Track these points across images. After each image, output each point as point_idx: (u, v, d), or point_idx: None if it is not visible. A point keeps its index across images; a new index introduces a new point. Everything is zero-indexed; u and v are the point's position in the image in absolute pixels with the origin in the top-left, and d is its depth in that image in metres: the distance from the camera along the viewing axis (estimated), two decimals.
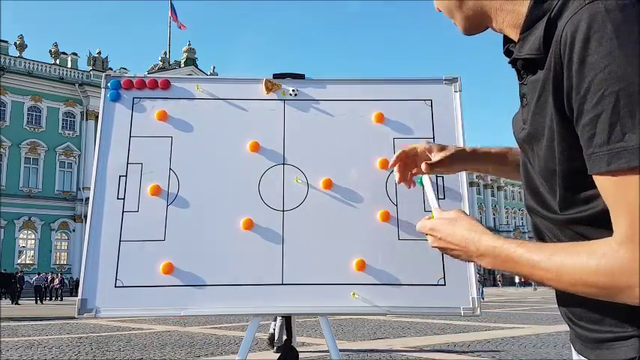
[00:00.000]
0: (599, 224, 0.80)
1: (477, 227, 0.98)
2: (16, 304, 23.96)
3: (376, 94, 1.86)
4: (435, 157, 1.39)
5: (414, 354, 7.59)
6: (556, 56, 0.80)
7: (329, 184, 1.76)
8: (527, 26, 0.89)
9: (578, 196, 0.84)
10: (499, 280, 51.63)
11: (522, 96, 0.95)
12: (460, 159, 1.39)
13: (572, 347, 0.99)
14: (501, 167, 1.38)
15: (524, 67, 0.92)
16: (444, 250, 1.05)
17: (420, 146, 1.43)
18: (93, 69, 42.12)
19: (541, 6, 0.87)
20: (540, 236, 0.98)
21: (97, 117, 24.36)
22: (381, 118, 1.83)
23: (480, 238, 0.96)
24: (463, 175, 1.79)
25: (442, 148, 1.40)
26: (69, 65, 42.27)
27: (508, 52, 1.00)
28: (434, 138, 1.81)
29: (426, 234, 1.07)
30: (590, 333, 0.90)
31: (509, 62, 0.96)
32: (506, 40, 1.00)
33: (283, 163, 1.80)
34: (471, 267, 1.70)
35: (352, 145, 1.81)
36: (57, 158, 40.15)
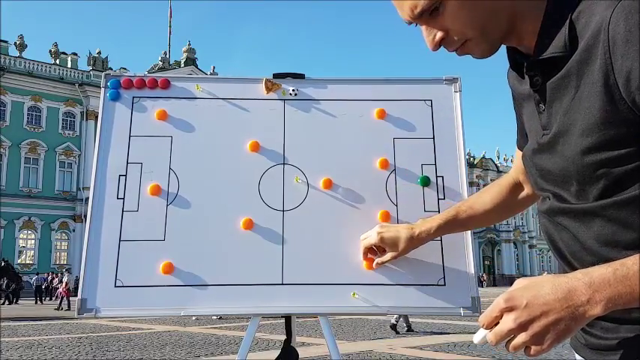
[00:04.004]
0: None
1: (559, 275, 0.78)
2: (16, 303, 23.94)
3: (376, 94, 1.86)
4: (388, 254, 1.58)
5: (414, 354, 7.59)
6: (604, 46, 0.78)
7: (329, 184, 1.76)
8: (546, 28, 0.88)
9: (621, 181, 0.81)
10: (483, 280, 47.38)
11: (538, 102, 0.94)
12: (412, 242, 1.54)
13: (577, 354, 0.98)
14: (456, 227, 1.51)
15: (542, 71, 0.91)
16: (535, 327, 0.74)
17: (374, 237, 1.58)
18: (93, 69, 42.12)
19: (560, 7, 0.87)
20: (554, 243, 0.96)
21: (97, 117, 24.32)
22: (382, 114, 1.83)
23: (584, 273, 0.75)
24: (463, 175, 1.78)
25: (393, 239, 1.54)
26: (69, 65, 42.27)
27: (515, 63, 0.99)
28: (434, 138, 1.81)
29: (503, 312, 0.77)
30: (602, 341, 0.89)
31: (526, 68, 0.95)
32: (511, 51, 0.99)
33: (283, 163, 1.80)
34: (471, 267, 1.70)
35: (352, 145, 1.81)
36: (57, 158, 40.16)
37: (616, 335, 0.86)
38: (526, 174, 1.07)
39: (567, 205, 0.90)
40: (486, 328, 0.80)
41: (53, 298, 24.09)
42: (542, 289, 0.76)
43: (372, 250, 1.63)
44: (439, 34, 0.96)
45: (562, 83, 0.87)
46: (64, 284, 22.81)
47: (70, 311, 18.85)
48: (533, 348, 0.76)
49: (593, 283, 0.73)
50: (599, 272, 0.74)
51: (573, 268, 0.90)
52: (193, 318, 13.37)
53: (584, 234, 0.87)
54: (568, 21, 0.85)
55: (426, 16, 0.94)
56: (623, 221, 0.81)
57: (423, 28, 0.98)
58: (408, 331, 10.42)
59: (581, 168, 0.84)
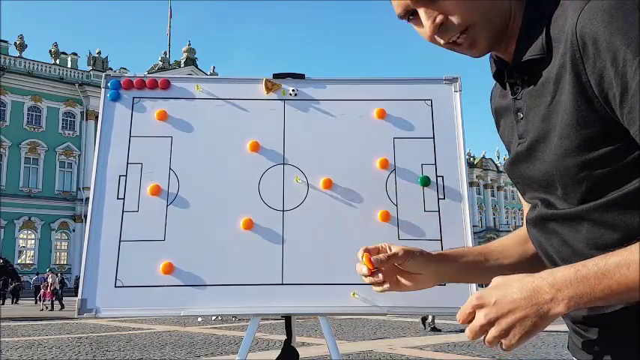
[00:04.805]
0: (629, 206, 0.80)
1: (528, 274, 0.80)
2: (16, 303, 23.93)
3: (376, 94, 1.86)
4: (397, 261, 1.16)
5: (414, 354, 7.59)
6: (573, 47, 0.79)
7: (329, 184, 1.76)
8: (525, 32, 0.89)
9: (604, 182, 0.82)
10: None
11: (517, 111, 0.95)
12: (419, 263, 1.15)
13: (573, 356, 0.98)
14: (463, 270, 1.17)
15: (521, 77, 0.91)
16: (503, 323, 0.78)
17: (387, 248, 1.20)
18: (93, 69, 42.10)
19: (538, 11, 0.88)
20: (545, 251, 0.96)
21: (97, 117, 24.33)
22: (382, 114, 1.83)
23: (549, 273, 0.78)
24: (463, 175, 1.79)
25: (406, 253, 1.15)
26: (69, 65, 42.26)
27: (498, 72, 0.99)
28: (434, 138, 1.81)
29: (475, 309, 0.82)
30: (597, 343, 0.89)
31: (506, 73, 0.95)
32: (493, 60, 1.00)
33: (283, 163, 1.80)
34: None
35: (352, 145, 1.81)
36: (57, 158, 40.15)
37: (610, 338, 0.86)
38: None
39: (555, 210, 0.90)
40: (461, 324, 0.86)
41: (41, 300, 23.79)
42: (510, 287, 0.80)
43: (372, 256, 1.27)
44: (439, 18, 0.91)
45: (540, 90, 0.87)
46: (49, 284, 22.61)
47: (60, 311, 18.81)
48: (504, 342, 0.80)
49: (556, 282, 0.77)
50: (563, 272, 0.77)
51: None
52: (199, 319, 13.43)
53: (573, 238, 0.88)
54: (545, 25, 0.86)
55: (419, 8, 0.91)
56: (610, 224, 0.82)
57: (422, 12, 0.92)
58: (432, 329, 10.46)
59: (564, 171, 0.85)
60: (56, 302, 21.69)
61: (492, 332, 0.80)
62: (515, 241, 1.16)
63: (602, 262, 0.76)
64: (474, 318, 0.83)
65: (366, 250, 1.19)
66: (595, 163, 0.81)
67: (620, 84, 0.74)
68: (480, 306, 0.81)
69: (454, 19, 0.90)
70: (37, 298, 25.97)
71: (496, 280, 0.84)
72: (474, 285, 1.69)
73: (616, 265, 0.74)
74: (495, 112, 1.07)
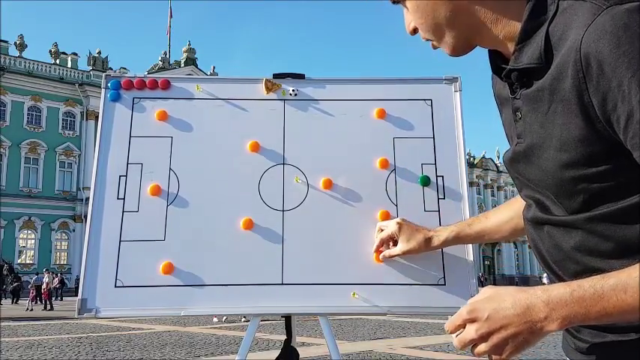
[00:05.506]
0: (625, 220, 0.80)
1: (522, 288, 0.81)
2: (16, 303, 23.92)
3: (376, 94, 1.86)
4: (399, 246, 1.56)
5: (414, 354, 7.59)
6: (577, 66, 0.78)
7: (329, 184, 1.76)
8: (523, 37, 0.88)
9: (600, 196, 0.82)
10: (483, 281, 47.42)
11: (515, 110, 0.94)
12: (425, 244, 1.53)
13: (567, 356, 0.99)
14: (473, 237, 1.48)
15: (519, 80, 0.91)
16: (495, 338, 0.79)
17: (393, 226, 1.57)
18: (93, 69, 42.13)
19: (537, 17, 0.87)
20: (539, 252, 0.96)
21: (97, 117, 24.33)
22: (382, 114, 1.83)
23: (544, 290, 0.78)
24: (463, 175, 1.78)
25: (410, 233, 1.54)
26: (69, 65, 42.28)
27: (497, 68, 0.99)
28: (434, 137, 1.81)
29: (466, 322, 0.82)
30: (590, 344, 0.90)
31: (503, 75, 0.95)
32: (493, 55, 0.99)
33: (283, 163, 1.80)
34: (471, 267, 1.70)
35: (352, 145, 1.81)
36: (57, 158, 40.17)
37: (602, 340, 0.87)
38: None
39: (550, 216, 0.91)
40: (451, 334, 0.86)
41: (35, 300, 23.54)
42: (504, 302, 0.80)
43: (385, 243, 1.64)
44: (412, 25, 1.01)
45: (537, 96, 0.87)
46: (45, 284, 22.41)
47: (56, 312, 18.75)
48: (494, 357, 0.82)
49: (550, 301, 0.77)
50: (558, 291, 0.78)
51: (556, 275, 0.92)
52: (224, 319, 13.49)
53: (566, 244, 0.88)
54: (544, 32, 0.85)
55: (401, 4, 1.01)
56: (603, 234, 0.82)
57: (404, 11, 1.02)
58: None
59: (560, 181, 0.85)
60: (37, 303, 21.50)
61: (483, 347, 0.81)
62: (509, 217, 1.32)
63: (599, 284, 0.75)
64: (463, 328, 0.83)
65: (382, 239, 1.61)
66: (593, 177, 0.81)
67: (626, 110, 0.74)
68: (472, 320, 0.82)
69: (420, 30, 1.00)
70: (39, 298, 25.94)
71: (487, 292, 0.85)
72: (475, 285, 1.69)
73: (613, 288, 0.74)
74: (497, 98, 1.07)
